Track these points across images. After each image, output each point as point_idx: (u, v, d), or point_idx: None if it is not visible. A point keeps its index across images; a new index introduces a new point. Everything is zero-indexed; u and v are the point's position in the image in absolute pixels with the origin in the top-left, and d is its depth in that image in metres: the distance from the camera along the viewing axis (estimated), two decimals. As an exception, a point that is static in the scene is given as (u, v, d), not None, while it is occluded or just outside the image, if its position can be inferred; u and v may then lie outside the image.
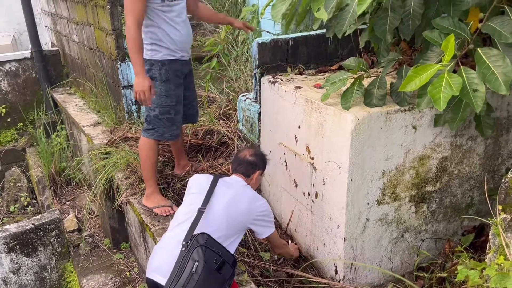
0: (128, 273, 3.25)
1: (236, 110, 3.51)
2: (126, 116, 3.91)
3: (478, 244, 2.58)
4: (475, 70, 1.90)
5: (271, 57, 2.88)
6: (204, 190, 2.18)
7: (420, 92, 2.05)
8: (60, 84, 5.75)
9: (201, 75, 4.22)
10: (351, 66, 2.29)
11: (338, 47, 3.05)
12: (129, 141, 3.53)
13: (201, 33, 5.21)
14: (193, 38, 2.96)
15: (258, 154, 2.41)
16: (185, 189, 2.38)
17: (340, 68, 2.75)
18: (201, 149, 3.50)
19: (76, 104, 5.06)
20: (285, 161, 2.74)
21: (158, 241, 2.28)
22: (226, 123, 3.54)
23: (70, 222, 4.05)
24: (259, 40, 2.86)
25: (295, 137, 2.57)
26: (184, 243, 1.95)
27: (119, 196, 3.12)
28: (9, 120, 5.60)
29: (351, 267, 2.42)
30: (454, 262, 2.35)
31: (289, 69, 2.89)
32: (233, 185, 2.25)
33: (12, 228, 3.06)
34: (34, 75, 5.62)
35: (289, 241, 2.79)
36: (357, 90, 2.19)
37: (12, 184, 5.00)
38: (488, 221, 1.88)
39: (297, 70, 2.89)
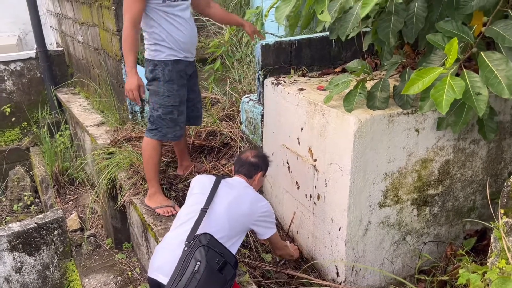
0: (129, 273, 3.26)
1: (239, 111, 3.52)
2: (130, 117, 3.92)
3: (480, 248, 2.57)
4: (478, 73, 1.91)
5: (274, 59, 2.89)
6: (206, 190, 2.18)
7: (423, 95, 2.06)
8: (65, 84, 5.79)
9: (204, 77, 4.24)
10: (354, 68, 2.29)
11: (341, 49, 3.05)
12: (133, 141, 3.54)
13: (205, 34, 5.22)
14: (197, 40, 2.95)
15: (261, 155, 2.41)
16: (187, 190, 2.39)
17: (344, 70, 2.76)
18: (204, 150, 3.51)
19: (80, 104, 5.09)
20: (287, 163, 2.74)
21: (160, 241, 2.29)
22: (229, 125, 3.55)
23: (72, 221, 4.07)
24: (263, 42, 2.87)
25: (298, 139, 2.57)
26: (186, 242, 1.95)
27: (121, 196, 3.14)
28: (13, 119, 5.64)
29: (352, 269, 2.42)
30: (455, 266, 2.35)
31: (292, 71, 2.90)
32: (235, 186, 2.25)
33: (15, 226, 3.08)
34: (38, 75, 5.66)
35: (289, 242, 2.79)
36: (360, 93, 2.19)
37: (15, 183, 5.02)
38: (490, 225, 1.88)
39: (301, 72, 2.90)
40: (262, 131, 3.06)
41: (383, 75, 2.33)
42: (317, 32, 2.77)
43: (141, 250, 3.23)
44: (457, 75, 1.93)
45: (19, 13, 6.46)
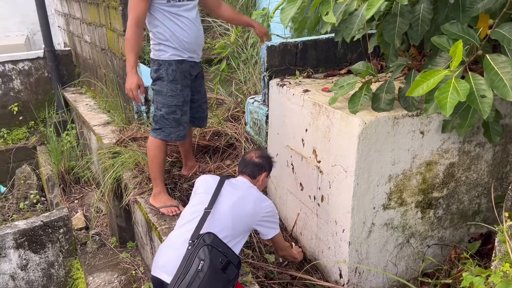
0: (134, 272, 3.27)
1: (244, 112, 3.53)
2: (136, 116, 3.95)
3: (484, 252, 2.56)
4: (484, 76, 1.90)
5: (280, 60, 2.89)
6: (210, 190, 2.19)
7: (427, 97, 2.05)
8: (72, 83, 5.83)
9: (210, 77, 4.25)
10: (360, 70, 2.29)
11: (347, 51, 3.05)
12: (138, 141, 3.56)
13: (211, 35, 5.24)
14: (204, 40, 2.95)
15: (265, 156, 2.42)
16: (191, 190, 2.40)
17: (349, 72, 2.76)
18: (209, 151, 3.52)
19: (87, 104, 5.13)
20: (291, 164, 2.74)
21: (164, 240, 2.30)
22: (234, 125, 3.56)
23: (78, 220, 4.10)
24: (269, 43, 2.88)
25: (302, 140, 2.58)
26: (190, 241, 1.96)
27: (126, 195, 3.16)
28: (21, 118, 5.69)
29: (355, 271, 2.42)
30: (459, 269, 2.34)
31: (297, 73, 2.90)
32: (239, 186, 2.26)
33: (21, 224, 3.10)
34: (46, 74, 5.71)
35: (293, 244, 2.79)
36: (365, 94, 2.19)
37: (22, 182, 5.06)
38: (495, 229, 1.87)
39: (306, 73, 2.90)
40: (266, 132, 3.07)
41: (389, 77, 2.33)
42: (322, 34, 2.78)
43: (145, 249, 3.25)
44: (463, 77, 1.93)
45: (28, 13, 6.53)
